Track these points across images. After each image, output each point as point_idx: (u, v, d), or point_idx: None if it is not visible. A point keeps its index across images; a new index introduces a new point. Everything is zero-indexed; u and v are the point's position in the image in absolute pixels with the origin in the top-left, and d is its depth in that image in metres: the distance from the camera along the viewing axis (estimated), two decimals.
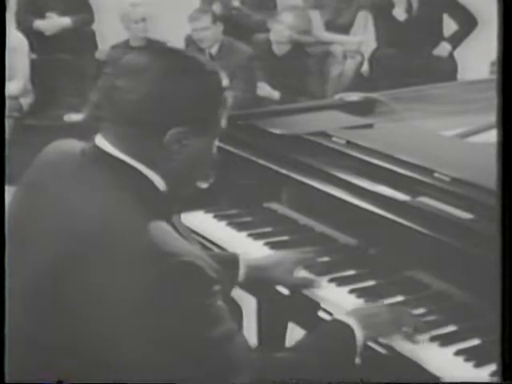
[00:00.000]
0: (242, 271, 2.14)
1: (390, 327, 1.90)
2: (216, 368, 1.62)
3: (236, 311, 2.23)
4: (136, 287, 1.55)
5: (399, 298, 2.05)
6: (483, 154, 2.20)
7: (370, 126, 2.64)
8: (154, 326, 1.56)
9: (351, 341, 1.81)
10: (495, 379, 1.73)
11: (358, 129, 2.59)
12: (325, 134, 2.52)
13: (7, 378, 1.67)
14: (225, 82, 1.74)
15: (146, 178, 1.69)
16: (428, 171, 2.17)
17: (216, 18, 5.49)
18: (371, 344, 1.88)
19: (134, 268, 1.56)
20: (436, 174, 2.15)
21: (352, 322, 1.84)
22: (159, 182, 1.70)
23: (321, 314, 2.09)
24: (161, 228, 1.62)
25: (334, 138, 2.48)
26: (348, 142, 2.43)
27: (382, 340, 1.89)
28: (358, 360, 1.81)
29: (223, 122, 1.74)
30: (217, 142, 1.78)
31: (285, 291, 2.19)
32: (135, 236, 1.59)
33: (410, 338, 1.89)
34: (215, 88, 1.71)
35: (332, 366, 1.79)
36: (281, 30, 5.56)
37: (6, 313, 1.68)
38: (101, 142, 1.70)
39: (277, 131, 2.56)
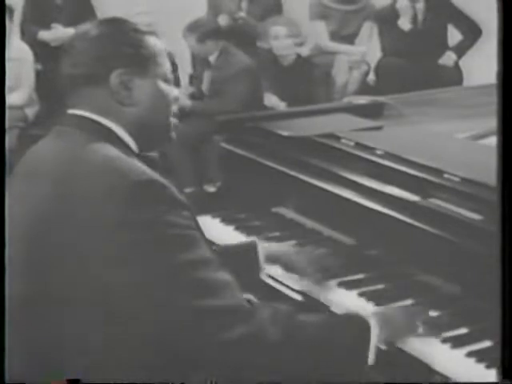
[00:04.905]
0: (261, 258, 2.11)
1: (406, 330, 1.88)
2: (188, 290, 1.57)
3: None
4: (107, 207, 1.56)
5: (409, 301, 2.02)
6: (492, 155, 2.17)
7: (379, 128, 2.63)
8: (127, 246, 1.55)
9: (366, 336, 1.75)
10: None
11: (366, 131, 2.58)
12: (334, 136, 2.51)
13: (7, 378, 1.66)
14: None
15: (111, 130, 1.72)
16: (438, 172, 2.15)
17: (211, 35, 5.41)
18: (383, 346, 1.86)
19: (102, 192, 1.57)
20: (446, 175, 2.13)
21: (371, 320, 1.78)
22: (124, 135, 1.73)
23: None
24: (112, 150, 1.65)
25: (342, 140, 2.47)
26: (357, 144, 2.42)
27: (397, 343, 1.85)
28: (370, 360, 1.76)
29: (161, 62, 1.82)
30: (165, 86, 1.80)
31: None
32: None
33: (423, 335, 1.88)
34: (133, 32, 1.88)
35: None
36: (279, 44, 5.57)
37: (5, 310, 1.66)
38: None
39: (285, 133, 2.55)
